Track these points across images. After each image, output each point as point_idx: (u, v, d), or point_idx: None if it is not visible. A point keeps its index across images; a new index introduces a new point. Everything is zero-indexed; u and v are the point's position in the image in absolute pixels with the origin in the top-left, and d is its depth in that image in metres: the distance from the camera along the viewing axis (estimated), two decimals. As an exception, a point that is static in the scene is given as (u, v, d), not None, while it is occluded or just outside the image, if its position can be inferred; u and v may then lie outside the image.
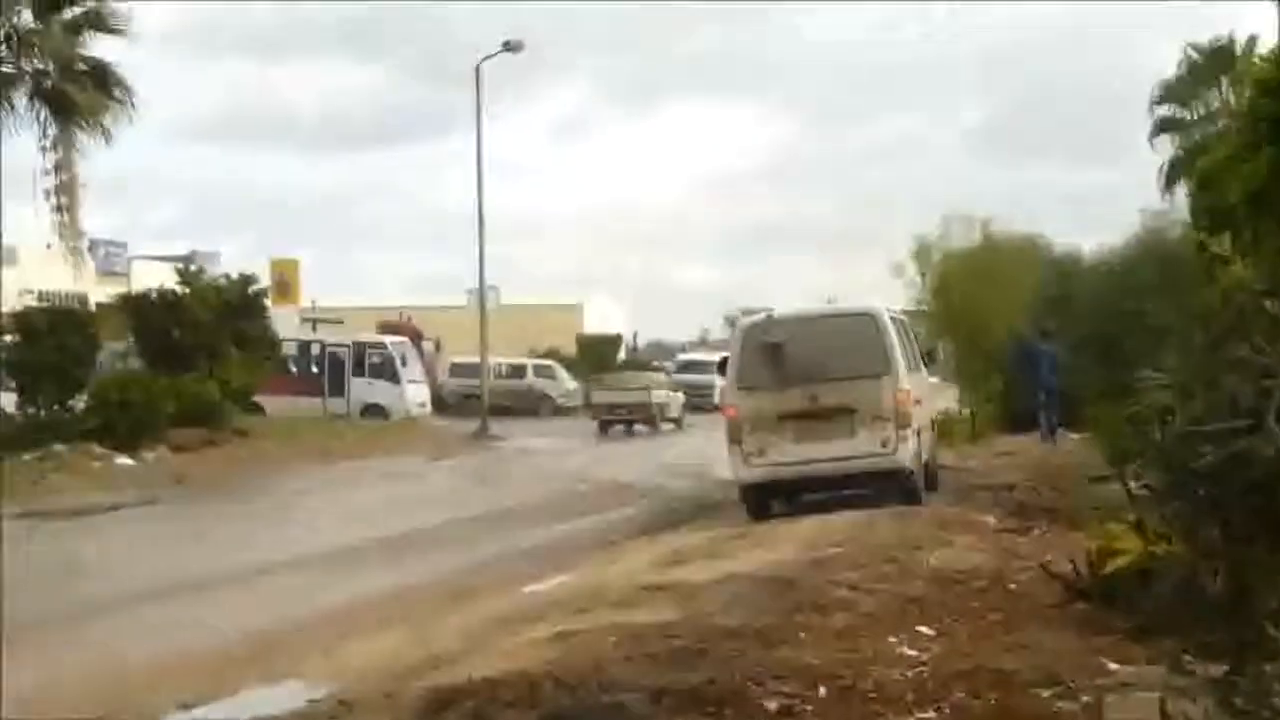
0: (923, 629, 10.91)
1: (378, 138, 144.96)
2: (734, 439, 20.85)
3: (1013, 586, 13.12)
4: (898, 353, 20.93)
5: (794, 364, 20.55)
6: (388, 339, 56.91)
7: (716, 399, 64.33)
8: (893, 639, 10.55)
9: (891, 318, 21.91)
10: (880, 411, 20.47)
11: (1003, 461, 27.75)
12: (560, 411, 62.96)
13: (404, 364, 54.88)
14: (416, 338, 61.17)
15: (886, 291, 34.41)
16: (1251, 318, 9.49)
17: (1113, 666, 9.68)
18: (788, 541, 16.49)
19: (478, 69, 52.00)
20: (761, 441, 20.55)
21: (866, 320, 21.17)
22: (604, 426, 53.43)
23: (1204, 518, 9.39)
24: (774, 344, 20.69)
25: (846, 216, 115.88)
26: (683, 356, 74.11)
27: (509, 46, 52.15)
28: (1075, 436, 31.83)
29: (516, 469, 37.50)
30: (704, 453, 36.32)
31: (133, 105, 37.29)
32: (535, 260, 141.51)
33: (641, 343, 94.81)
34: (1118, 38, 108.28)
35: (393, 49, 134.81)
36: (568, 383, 66.62)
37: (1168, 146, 48.24)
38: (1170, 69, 48.22)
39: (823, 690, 9.05)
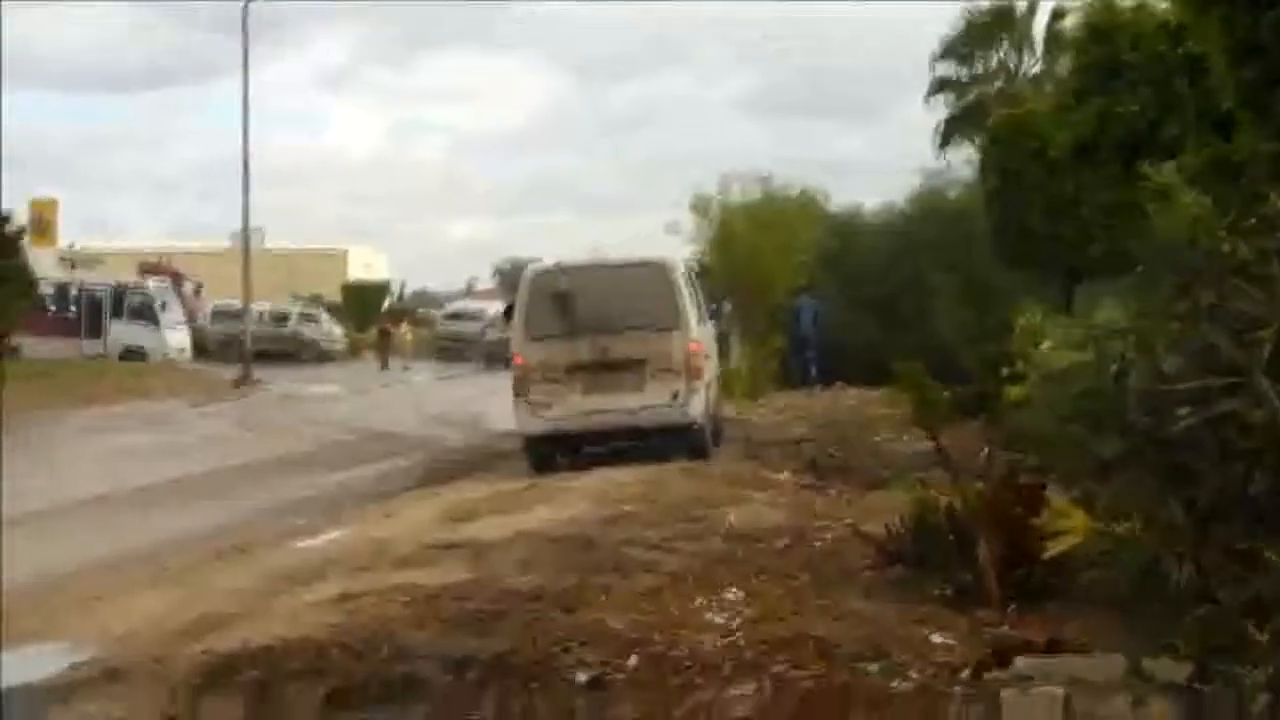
0: (731, 593, 10.29)
1: (142, 81, 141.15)
2: (520, 390, 20.19)
3: (817, 545, 12.62)
4: (688, 305, 20.44)
5: (583, 314, 19.93)
6: (149, 281, 55.21)
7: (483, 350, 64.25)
8: (700, 601, 9.92)
9: (683, 270, 21.41)
10: (670, 364, 19.93)
11: (785, 417, 27.37)
12: (324, 358, 61.63)
13: (164, 307, 53.35)
14: (178, 280, 59.44)
15: (660, 248, 33.98)
16: (1218, 260, 8.35)
17: (936, 639, 9.18)
18: (577, 497, 15.79)
19: (244, 10, 50.50)
20: (548, 393, 19.94)
21: (657, 270, 20.63)
22: None
23: (1168, 493, 8.23)
24: (563, 293, 20.08)
25: (617, 174, 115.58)
26: (451, 306, 73.07)
27: (279, -12, 50.70)
28: (852, 390, 31.72)
29: (281, 416, 36.35)
30: (473, 403, 35.71)
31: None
32: (301, 208, 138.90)
33: (408, 292, 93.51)
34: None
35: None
36: (332, 328, 65.35)
37: (942, 106, 48.34)
38: (936, 31, 48.39)
39: (633, 659, 8.39)
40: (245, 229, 51.79)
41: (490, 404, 32.61)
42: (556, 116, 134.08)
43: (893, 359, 30.97)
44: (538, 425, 20.17)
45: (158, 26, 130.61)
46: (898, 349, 31.97)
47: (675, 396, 19.90)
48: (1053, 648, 8.49)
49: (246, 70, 50.65)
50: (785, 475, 17.69)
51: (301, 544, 14.33)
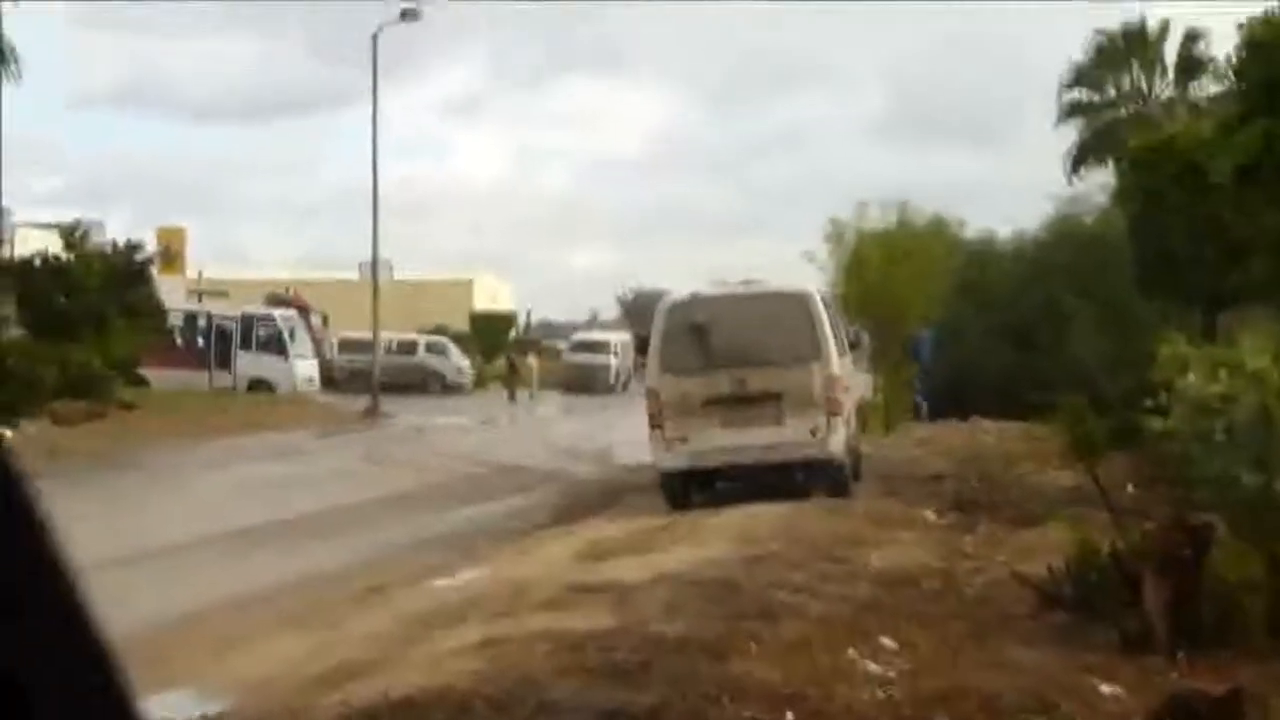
0: (884, 640, 9.87)
1: (270, 109, 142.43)
2: (656, 424, 19.66)
3: (970, 588, 12.18)
4: (829, 336, 19.87)
5: (720, 346, 19.40)
6: (276, 311, 55.33)
7: (612, 380, 63.99)
8: (852, 652, 9.51)
9: (822, 300, 20.90)
10: (810, 398, 19.37)
11: (923, 451, 26.82)
12: (451, 389, 61.55)
13: (292, 338, 53.36)
14: (305, 311, 59.57)
15: (789, 276, 33.45)
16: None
17: (1105, 689, 8.73)
18: (716, 536, 15.40)
19: (374, 39, 50.63)
20: (685, 427, 19.37)
21: (796, 301, 20.10)
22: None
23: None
24: (699, 325, 19.53)
25: (742, 202, 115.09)
26: (577, 336, 72.88)
27: (405, 15, 50.74)
28: (987, 423, 31.13)
29: (410, 449, 36.14)
30: (601, 435, 35.41)
31: (17, 72, 35.96)
32: (426, 237, 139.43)
33: (533, 322, 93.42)
34: (1010, 28, 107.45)
35: (286, 20, 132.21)
36: (459, 360, 65.28)
37: (1072, 131, 47.67)
38: (1063, 59, 47.75)
39: (790, 715, 7.99)
40: (375, 259, 51.83)
41: (616, 436, 32.36)
42: (680, 141, 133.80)
43: (1028, 389, 30.64)
44: (675, 460, 19.61)
45: (289, 56, 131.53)
46: (1033, 378, 31.69)
47: (814, 432, 19.33)
48: (1232, 698, 8.03)
49: (376, 100, 50.78)
50: (930, 513, 17.19)
51: (438, 584, 14.03)
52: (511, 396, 58.40)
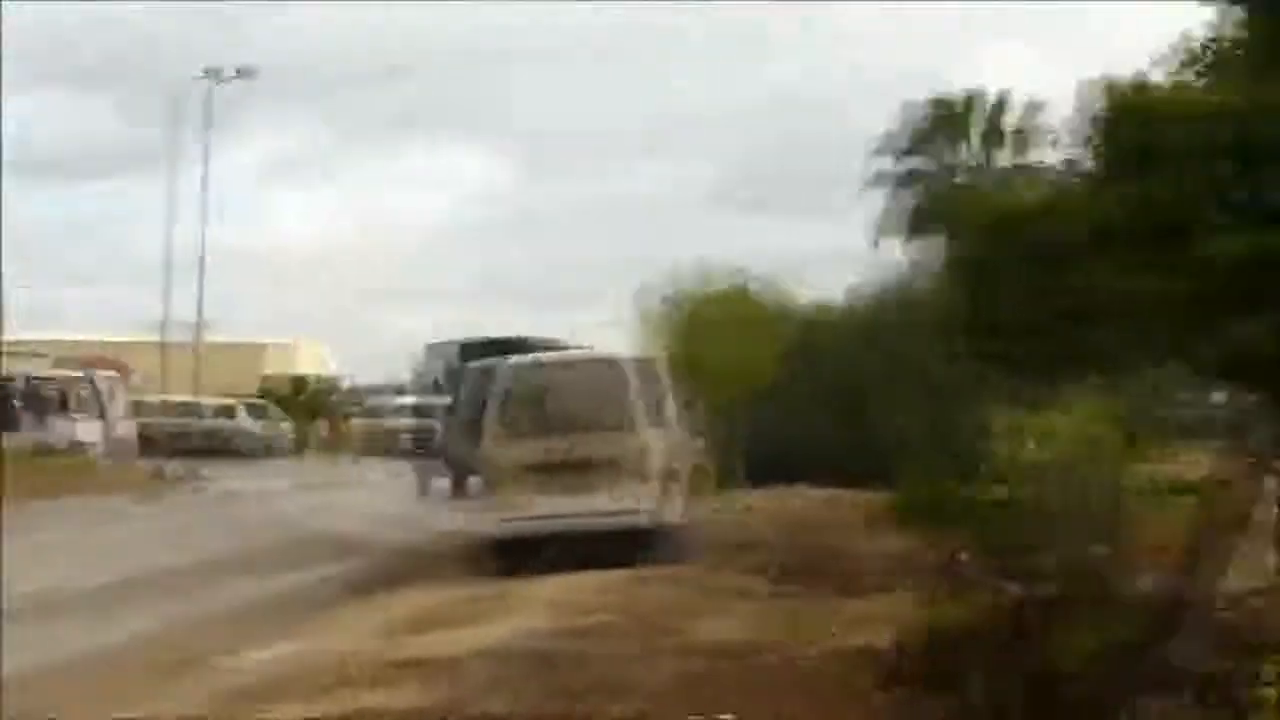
0: (722, 718, 9.38)
1: (92, 169, 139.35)
2: (487, 490, 19.47)
3: (805, 664, 11.73)
4: (668, 401, 19.91)
5: (554, 412, 19.19)
6: (97, 374, 53.88)
7: (435, 444, 62.93)
8: (691, 730, 9.02)
9: (647, 365, 20.61)
10: (647, 464, 19.07)
11: (752, 518, 26.32)
12: (269, 452, 60.29)
13: (110, 399, 51.96)
14: (124, 373, 58.10)
15: (619, 343, 33.01)
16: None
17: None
18: (540, 606, 14.85)
19: (209, 92, 49.73)
20: (516, 493, 18.97)
21: (618, 368, 19.76)
22: None
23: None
24: (534, 390, 19.40)
25: (560, 268, 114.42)
26: (402, 400, 71.79)
27: (240, 74, 49.91)
28: (813, 491, 30.78)
29: (223, 514, 35.02)
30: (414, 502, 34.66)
31: None
32: (246, 300, 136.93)
33: (353, 385, 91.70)
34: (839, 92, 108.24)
35: (108, 77, 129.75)
36: (279, 423, 64.12)
37: (878, 199, 47.81)
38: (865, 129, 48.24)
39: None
40: (199, 321, 50.89)
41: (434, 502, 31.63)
42: (506, 206, 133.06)
43: (852, 456, 30.39)
44: (504, 527, 19.10)
45: (104, 115, 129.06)
46: (857, 446, 31.44)
47: (643, 499, 18.95)
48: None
49: (207, 161, 50.04)
50: (762, 582, 16.74)
51: (255, 655, 13.27)
52: (332, 461, 57.30)
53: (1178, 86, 13.77)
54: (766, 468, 32.34)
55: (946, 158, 47.83)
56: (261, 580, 21.21)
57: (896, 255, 44.09)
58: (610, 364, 20.01)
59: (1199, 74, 14.61)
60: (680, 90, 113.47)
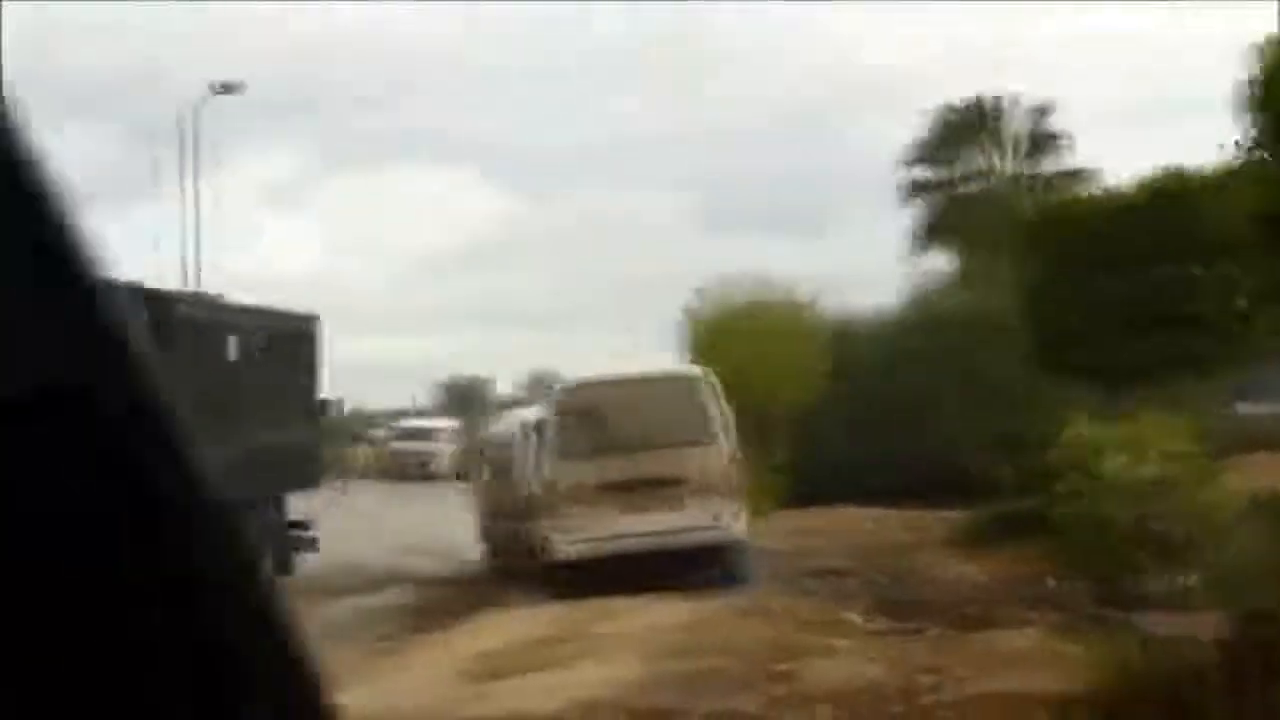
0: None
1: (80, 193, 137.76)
2: (548, 512, 18.52)
3: (943, 713, 10.24)
4: (725, 418, 19.12)
5: (615, 431, 18.48)
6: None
7: (439, 468, 61.34)
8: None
9: (711, 382, 19.66)
10: (710, 481, 18.45)
11: (803, 541, 24.81)
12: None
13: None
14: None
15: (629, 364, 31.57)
16: None
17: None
18: (622, 647, 13.30)
19: (195, 111, 47.97)
20: (580, 515, 18.24)
21: (688, 384, 19.39)
22: None
23: None
24: (591, 411, 18.74)
25: (559, 292, 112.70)
26: (403, 423, 70.16)
27: (226, 89, 48.14)
28: (854, 510, 29.32)
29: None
30: (439, 526, 32.95)
31: None
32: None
33: (347, 410, 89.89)
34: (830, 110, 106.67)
35: (93, 101, 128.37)
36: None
37: (900, 214, 46.34)
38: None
39: None
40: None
41: (456, 528, 29.98)
42: (499, 231, 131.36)
43: (893, 474, 28.90)
44: (567, 550, 18.28)
45: (83, 141, 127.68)
46: (898, 463, 30.03)
47: (717, 516, 18.35)
48: None
49: (196, 182, 48.16)
50: (855, 615, 15.21)
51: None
52: (338, 487, 55.59)
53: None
54: (812, 485, 30.85)
55: (974, 164, 46.33)
56: (313, 609, 19.80)
57: (920, 267, 42.56)
58: (682, 380, 19.78)
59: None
60: (671, 107, 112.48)
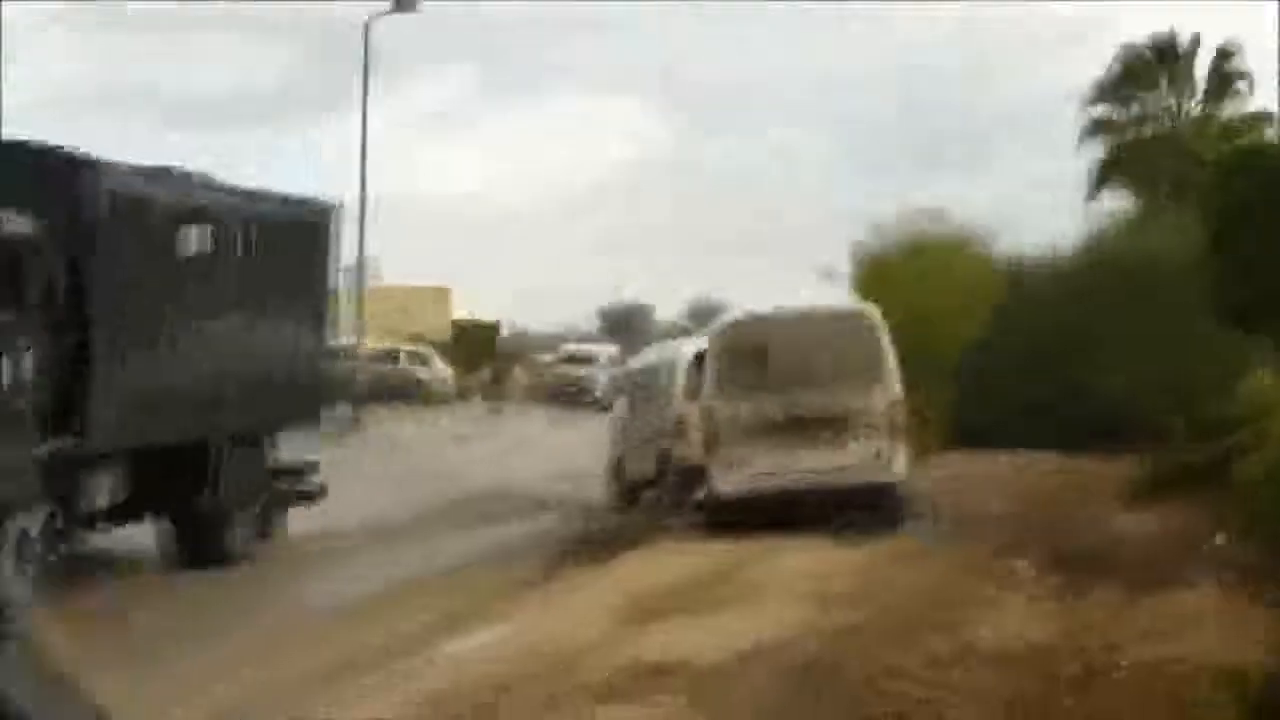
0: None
1: (248, 114, 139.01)
2: (710, 448, 18.22)
3: (1119, 675, 9.67)
4: (891, 357, 18.60)
5: (779, 368, 18.11)
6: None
7: (599, 393, 61.24)
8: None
9: (880, 321, 19.24)
10: (873, 420, 18.14)
11: (964, 485, 24.15)
12: (435, 399, 58.75)
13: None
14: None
15: (783, 296, 30.91)
16: None
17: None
18: (784, 592, 12.85)
19: (366, 29, 47.93)
20: (741, 451, 17.93)
21: (857, 321, 19.06)
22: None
23: None
24: (757, 345, 18.38)
25: (730, 221, 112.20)
26: (566, 349, 70.07)
27: (401, 5, 48.04)
28: (1022, 455, 28.60)
29: (392, 465, 33.32)
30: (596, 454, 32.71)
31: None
32: (403, 247, 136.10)
33: (509, 333, 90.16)
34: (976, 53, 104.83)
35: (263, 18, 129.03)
36: (442, 370, 62.62)
37: (1092, 150, 45.22)
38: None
39: None
40: (360, 266, 49.19)
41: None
42: (657, 162, 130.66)
43: (1055, 419, 28.10)
44: (730, 486, 17.93)
45: (268, 60, 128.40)
46: (1064, 408, 29.26)
47: (879, 455, 18.04)
48: None
49: (366, 107, 48.19)
50: (1023, 564, 14.62)
51: (451, 649, 11.40)
52: (497, 410, 55.72)
53: None
54: (978, 428, 30.21)
55: (1155, 105, 45.11)
56: (440, 542, 19.56)
57: (1097, 208, 41.50)
58: (847, 317, 19.58)
59: None
60: (838, 47, 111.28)
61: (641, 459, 23.38)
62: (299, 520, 20.22)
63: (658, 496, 22.37)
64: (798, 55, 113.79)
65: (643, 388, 25.02)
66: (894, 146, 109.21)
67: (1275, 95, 40.39)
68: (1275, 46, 25.75)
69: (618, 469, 25.19)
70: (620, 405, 27.51)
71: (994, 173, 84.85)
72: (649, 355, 28.12)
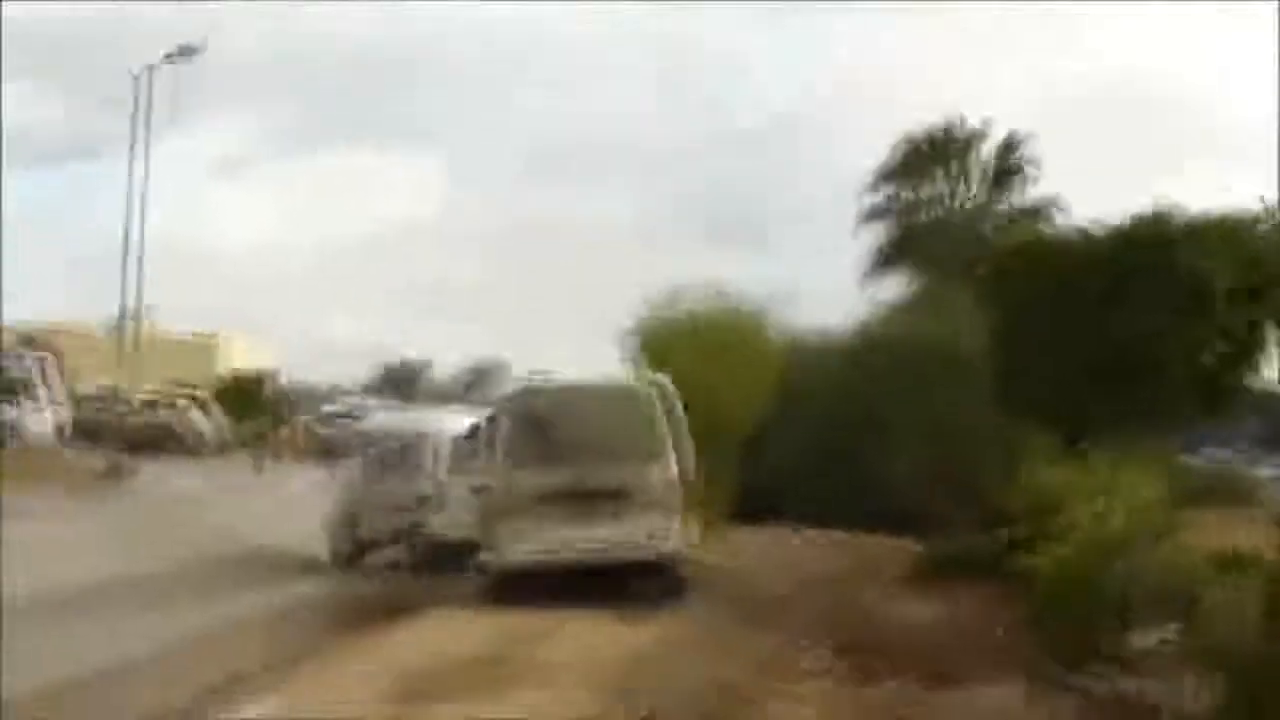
0: None
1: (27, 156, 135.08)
2: (491, 520, 18.40)
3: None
4: (671, 433, 18.96)
5: (563, 439, 18.47)
6: (29, 353, 50.54)
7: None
8: None
9: (663, 395, 19.51)
10: (651, 495, 18.39)
11: (745, 561, 23.86)
12: (199, 450, 57.25)
13: (45, 384, 48.56)
14: (58, 357, 54.62)
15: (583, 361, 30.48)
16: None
17: None
18: (562, 669, 12.40)
19: (137, 81, 46.97)
20: (526, 522, 18.08)
21: (635, 397, 19.31)
22: None
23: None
24: (542, 416, 18.74)
25: (503, 282, 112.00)
26: (328, 407, 69.15)
27: (182, 53, 47.20)
28: (807, 532, 28.54)
29: (159, 517, 32.23)
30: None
31: None
32: (180, 294, 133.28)
33: (288, 386, 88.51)
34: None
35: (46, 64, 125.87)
36: (217, 419, 61.35)
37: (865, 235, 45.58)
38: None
39: None
40: (128, 312, 48.02)
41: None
42: (441, 217, 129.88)
43: (838, 499, 28.15)
44: (508, 558, 18.17)
45: (42, 103, 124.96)
46: (849, 488, 29.24)
47: (656, 530, 18.35)
48: None
49: (147, 149, 47.19)
50: (816, 652, 14.27)
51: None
52: (260, 468, 53.73)
53: None
54: (759, 504, 30.13)
55: (937, 190, 45.68)
56: (210, 604, 18.81)
57: (875, 290, 42.00)
58: (634, 393, 19.65)
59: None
60: (642, 111, 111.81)
61: (380, 521, 23.60)
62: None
63: (396, 563, 22.71)
64: (604, 118, 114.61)
65: (392, 451, 25.14)
66: (685, 218, 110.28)
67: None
68: (1275, 46, 25.94)
69: (346, 524, 25.18)
70: (358, 463, 27.28)
71: (782, 252, 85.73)
72: (397, 418, 28.48)
